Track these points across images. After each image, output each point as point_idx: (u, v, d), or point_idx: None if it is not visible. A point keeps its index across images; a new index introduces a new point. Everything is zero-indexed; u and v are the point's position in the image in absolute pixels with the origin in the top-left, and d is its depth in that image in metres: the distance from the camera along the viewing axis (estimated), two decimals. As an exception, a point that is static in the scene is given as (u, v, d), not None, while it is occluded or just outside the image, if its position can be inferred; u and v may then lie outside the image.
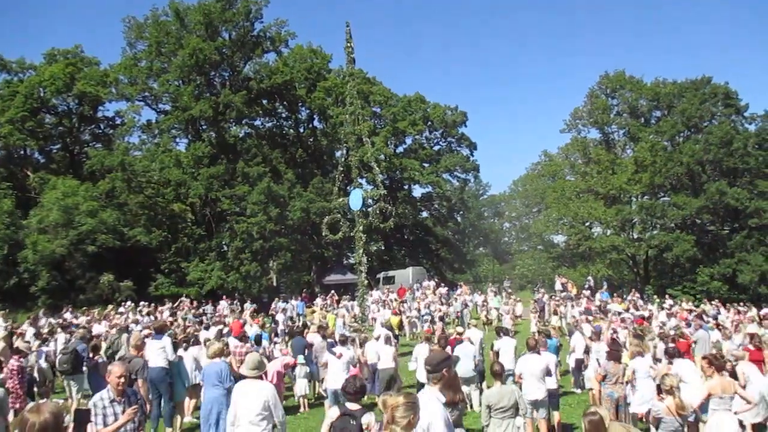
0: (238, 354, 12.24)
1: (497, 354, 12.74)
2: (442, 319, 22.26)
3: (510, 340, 13.07)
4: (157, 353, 10.34)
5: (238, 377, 11.44)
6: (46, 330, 18.39)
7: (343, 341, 11.91)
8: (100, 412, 5.77)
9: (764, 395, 8.61)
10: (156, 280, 39.77)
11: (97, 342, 13.12)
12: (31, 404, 3.36)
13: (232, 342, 13.00)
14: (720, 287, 41.99)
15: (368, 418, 5.71)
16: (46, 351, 14.11)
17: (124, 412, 5.81)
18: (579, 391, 13.78)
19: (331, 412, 6.06)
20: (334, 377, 10.89)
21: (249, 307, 29.66)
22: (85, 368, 11.61)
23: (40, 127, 43.42)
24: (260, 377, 7.02)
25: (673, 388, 6.93)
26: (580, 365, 14.02)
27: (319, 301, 32.42)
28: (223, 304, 30.45)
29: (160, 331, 10.96)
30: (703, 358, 8.37)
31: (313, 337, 14.28)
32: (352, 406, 5.84)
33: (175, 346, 11.25)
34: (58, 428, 3.07)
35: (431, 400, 4.66)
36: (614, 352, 10.44)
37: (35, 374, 12.33)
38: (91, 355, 11.56)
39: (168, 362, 10.42)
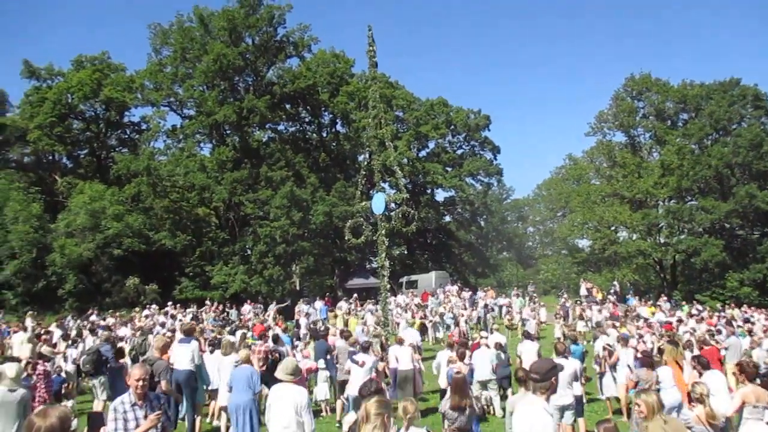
0: (257, 353, 12.23)
1: (520, 358, 12.59)
2: (465, 323, 22.08)
3: (533, 344, 12.90)
4: (185, 356, 10.35)
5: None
6: (73, 332, 18.59)
7: (366, 348, 11.79)
8: (120, 417, 5.56)
9: None
10: (180, 283, 40.13)
11: (121, 345, 13.19)
12: (38, 408, 3.33)
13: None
14: (750, 293, 41.14)
15: None
16: (74, 353, 14.22)
17: (146, 416, 5.58)
18: (603, 397, 13.56)
19: (349, 418, 6.00)
20: (355, 385, 10.76)
21: (273, 307, 29.85)
22: (107, 370, 11.67)
23: (68, 133, 44.12)
24: (295, 382, 7.01)
25: (703, 396, 6.74)
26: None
27: (343, 304, 32.34)
28: (247, 308, 30.57)
29: (188, 334, 10.97)
30: (736, 365, 8.13)
31: (334, 340, 14.22)
32: None
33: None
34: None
35: (538, 412, 4.46)
36: (646, 358, 10.22)
37: (63, 375, 12.48)
38: (115, 358, 11.61)
39: (195, 366, 10.41)
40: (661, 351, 11.89)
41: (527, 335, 13.92)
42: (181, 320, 23.46)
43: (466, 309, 27.67)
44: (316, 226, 40.66)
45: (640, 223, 45.94)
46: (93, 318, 26.86)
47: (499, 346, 13.05)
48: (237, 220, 43.65)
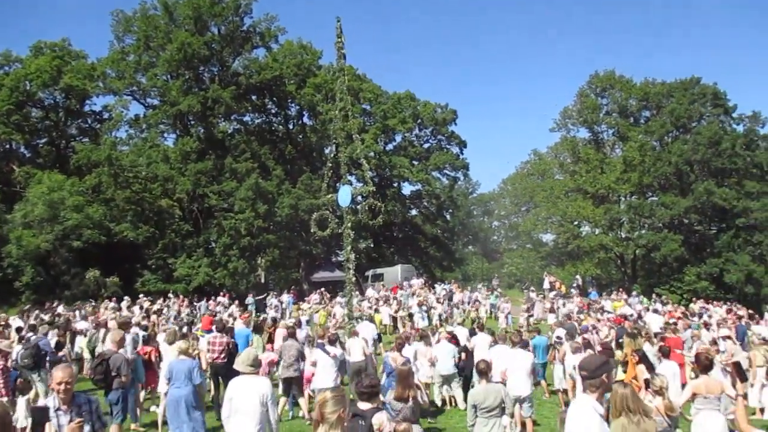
0: (218, 344, 12.12)
1: (471, 350, 12.72)
2: (439, 317, 22.20)
3: (486, 336, 13.05)
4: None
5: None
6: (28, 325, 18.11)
7: (333, 341, 11.82)
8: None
9: None
10: (143, 276, 39.48)
11: (62, 339, 13.01)
12: None
13: (208, 336, 12.87)
14: (707, 287, 42.24)
15: (379, 418, 5.46)
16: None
17: (70, 422, 4.93)
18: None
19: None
20: (323, 377, 10.92)
21: (250, 300, 29.95)
22: (47, 364, 11.68)
23: (26, 121, 42.90)
24: (256, 373, 6.91)
25: (662, 389, 6.86)
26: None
27: (315, 297, 32.23)
28: (225, 301, 30.32)
29: (123, 327, 11.04)
30: (695, 355, 8.32)
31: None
32: (363, 406, 5.59)
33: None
34: (6, 428, 2.99)
35: (588, 412, 4.27)
36: (607, 350, 10.39)
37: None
38: (54, 351, 11.52)
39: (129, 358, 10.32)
40: (620, 344, 12.11)
41: (480, 327, 14.22)
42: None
43: (441, 304, 27.73)
44: (281, 219, 40.37)
45: (603, 218, 46.80)
46: (60, 310, 26.38)
47: (456, 341, 13.15)
48: (201, 212, 43.11)
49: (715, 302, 30.15)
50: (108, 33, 45.02)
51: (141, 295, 30.70)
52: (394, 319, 25.09)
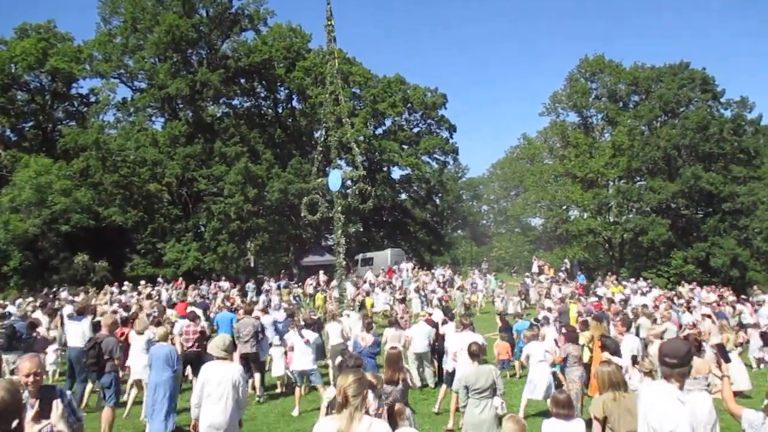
0: (192, 333, 12.26)
1: (442, 335, 12.98)
2: (439, 301, 22.26)
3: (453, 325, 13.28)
4: (77, 334, 10.77)
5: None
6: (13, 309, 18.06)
7: (310, 324, 12.04)
8: None
9: None
10: (132, 260, 39.34)
11: (36, 320, 13.07)
12: None
13: (182, 323, 12.96)
14: (693, 270, 42.66)
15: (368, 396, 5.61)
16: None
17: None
18: None
19: (329, 392, 6.01)
20: (300, 359, 11.19)
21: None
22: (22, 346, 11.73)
23: (12, 104, 42.38)
24: (229, 358, 6.93)
25: (652, 372, 6.97)
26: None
27: (311, 281, 32.17)
28: (225, 285, 30.22)
29: (81, 313, 11.37)
30: (683, 337, 8.44)
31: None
32: None
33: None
34: (17, 405, 2.97)
35: (672, 402, 4.11)
36: (571, 333, 10.51)
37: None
38: (29, 331, 11.62)
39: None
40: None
41: (450, 316, 14.44)
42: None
43: (443, 288, 27.46)
44: (271, 203, 40.28)
45: (591, 202, 47.04)
46: (64, 294, 26.34)
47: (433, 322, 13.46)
48: (190, 197, 42.91)
49: (706, 287, 30.30)
50: (94, 15, 44.36)
51: (142, 282, 30.66)
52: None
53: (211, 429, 6.46)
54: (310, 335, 11.39)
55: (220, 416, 6.46)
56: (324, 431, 3.92)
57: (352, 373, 4.01)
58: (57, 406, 3.40)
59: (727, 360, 10.52)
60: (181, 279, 32.73)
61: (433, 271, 37.40)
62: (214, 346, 6.93)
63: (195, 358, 11.77)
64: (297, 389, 11.33)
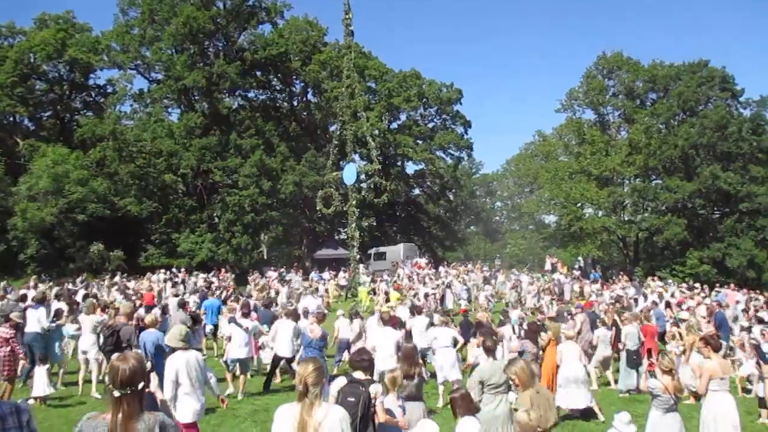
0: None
1: (409, 330, 13.00)
2: (486, 299, 22.02)
3: (423, 319, 13.37)
4: (35, 321, 11.66)
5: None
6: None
7: (246, 314, 12.44)
8: None
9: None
10: (146, 250, 39.65)
11: (58, 310, 13.73)
12: (116, 354, 3.82)
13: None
14: (709, 271, 42.22)
15: (375, 388, 5.87)
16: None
17: None
18: None
19: (339, 381, 6.10)
20: (236, 349, 11.53)
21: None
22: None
23: (31, 94, 42.74)
24: (188, 348, 7.07)
25: (672, 370, 6.92)
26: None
27: (343, 273, 31.80)
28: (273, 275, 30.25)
29: (39, 302, 12.36)
30: (701, 339, 8.35)
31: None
32: (359, 375, 5.95)
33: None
34: (143, 373, 3.42)
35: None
36: (531, 332, 10.57)
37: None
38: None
39: (42, 328, 11.67)
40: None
41: (418, 310, 14.44)
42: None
43: (490, 284, 26.95)
44: (285, 196, 40.41)
45: (606, 200, 46.64)
46: (116, 279, 26.68)
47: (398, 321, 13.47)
48: (205, 188, 43.13)
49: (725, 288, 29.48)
50: (112, 6, 44.92)
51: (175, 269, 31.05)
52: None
53: (195, 415, 6.64)
54: (249, 324, 11.80)
55: (197, 403, 6.67)
56: (284, 418, 4.05)
57: (312, 362, 4.13)
58: None
59: (766, 361, 10.48)
60: (225, 269, 33.03)
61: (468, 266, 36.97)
62: (172, 337, 7.06)
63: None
64: (242, 376, 11.56)
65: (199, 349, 12.21)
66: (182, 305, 13.53)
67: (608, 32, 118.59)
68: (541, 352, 10.90)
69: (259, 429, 9.43)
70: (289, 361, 11.66)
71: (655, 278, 31.81)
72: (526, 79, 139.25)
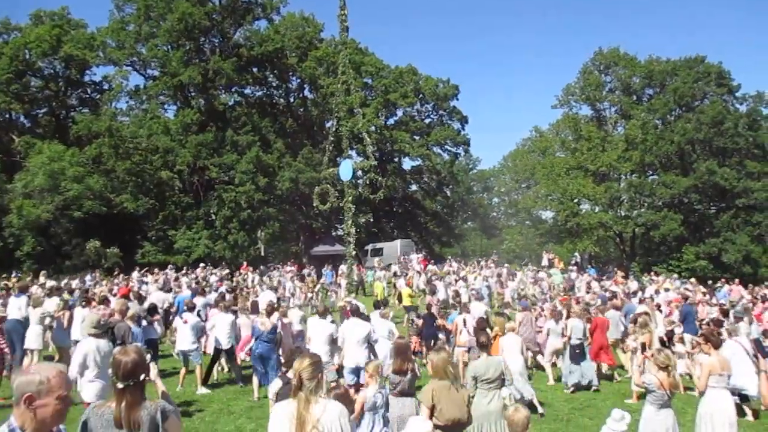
0: (105, 316, 12.98)
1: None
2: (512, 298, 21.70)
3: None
4: (16, 308, 12.26)
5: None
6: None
7: (191, 308, 12.50)
8: None
9: None
10: (143, 247, 39.59)
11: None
12: (118, 347, 4.52)
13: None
14: (705, 266, 42.35)
15: (331, 376, 5.90)
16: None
17: None
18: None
19: (274, 385, 6.23)
20: (181, 340, 11.87)
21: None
22: None
23: (26, 90, 42.53)
24: (100, 335, 7.53)
25: (668, 366, 6.92)
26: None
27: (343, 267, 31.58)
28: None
29: (22, 290, 13.32)
30: (701, 335, 8.36)
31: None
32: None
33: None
34: (144, 365, 3.67)
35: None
36: (478, 328, 10.59)
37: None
38: None
39: (23, 316, 12.25)
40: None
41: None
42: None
43: (507, 285, 26.13)
44: (282, 192, 40.39)
45: (603, 196, 46.70)
46: (87, 278, 26.62)
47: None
48: (201, 185, 43.08)
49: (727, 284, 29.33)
50: (108, 2, 44.82)
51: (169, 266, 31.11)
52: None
53: (97, 396, 6.91)
54: (192, 319, 11.94)
55: (100, 385, 7.05)
56: (281, 414, 4.00)
57: (308, 357, 4.10)
58: None
59: (765, 355, 10.49)
60: (245, 264, 33.15)
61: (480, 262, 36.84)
62: (88, 324, 7.58)
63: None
64: (197, 368, 11.81)
65: (157, 340, 12.49)
66: (138, 297, 14.31)
67: (605, 28, 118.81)
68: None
69: (254, 425, 9.44)
70: (228, 353, 12.03)
71: (670, 278, 30.96)
72: (523, 75, 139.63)
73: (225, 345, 11.78)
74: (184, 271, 29.48)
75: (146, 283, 23.94)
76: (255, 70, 46.68)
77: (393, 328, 11.68)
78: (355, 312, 11.39)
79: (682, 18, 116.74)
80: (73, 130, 40.71)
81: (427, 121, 56.24)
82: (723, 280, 31.39)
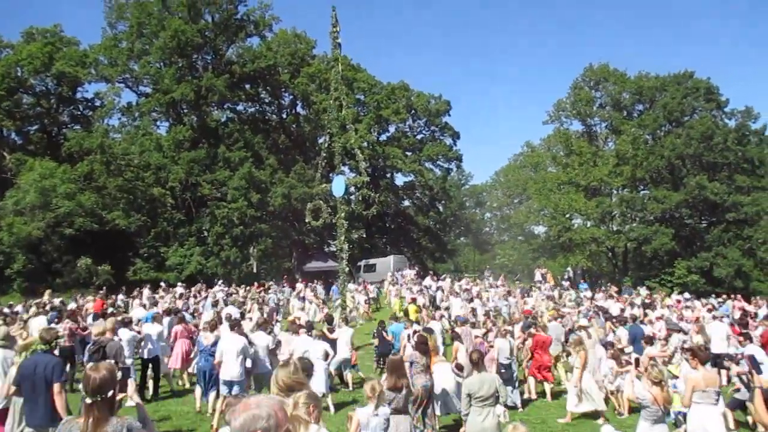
0: (64, 329, 12.98)
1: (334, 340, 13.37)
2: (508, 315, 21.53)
3: (348, 330, 14.10)
4: None
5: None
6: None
7: (127, 323, 12.33)
8: None
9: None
10: (135, 264, 39.36)
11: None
12: (90, 364, 4.70)
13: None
14: (697, 280, 42.45)
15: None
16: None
17: None
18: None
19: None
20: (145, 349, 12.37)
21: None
22: None
23: (17, 108, 42.46)
24: (9, 347, 7.77)
25: (662, 381, 6.92)
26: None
27: (351, 286, 31.20)
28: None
29: None
30: (688, 349, 8.36)
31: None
32: None
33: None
34: (114, 381, 3.78)
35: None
36: (419, 343, 10.47)
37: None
38: None
39: None
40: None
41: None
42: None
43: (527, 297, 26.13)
44: (274, 208, 40.37)
45: (594, 210, 46.88)
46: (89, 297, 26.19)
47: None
48: (194, 201, 42.97)
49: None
50: (101, 20, 44.94)
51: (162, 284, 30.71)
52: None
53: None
54: (126, 335, 11.63)
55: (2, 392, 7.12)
56: None
57: (303, 395, 4.21)
58: None
59: (759, 372, 10.48)
60: (258, 283, 32.88)
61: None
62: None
63: (69, 354, 12.37)
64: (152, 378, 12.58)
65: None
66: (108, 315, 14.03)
67: (595, 45, 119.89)
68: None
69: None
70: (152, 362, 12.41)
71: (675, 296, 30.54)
72: (514, 91, 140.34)
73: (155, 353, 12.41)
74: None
75: (157, 303, 23.65)
76: (247, 86, 46.84)
77: (329, 349, 11.68)
78: (262, 325, 11.92)
79: (671, 34, 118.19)
80: (65, 146, 40.58)
81: (419, 136, 56.52)
82: (725, 295, 31.24)
